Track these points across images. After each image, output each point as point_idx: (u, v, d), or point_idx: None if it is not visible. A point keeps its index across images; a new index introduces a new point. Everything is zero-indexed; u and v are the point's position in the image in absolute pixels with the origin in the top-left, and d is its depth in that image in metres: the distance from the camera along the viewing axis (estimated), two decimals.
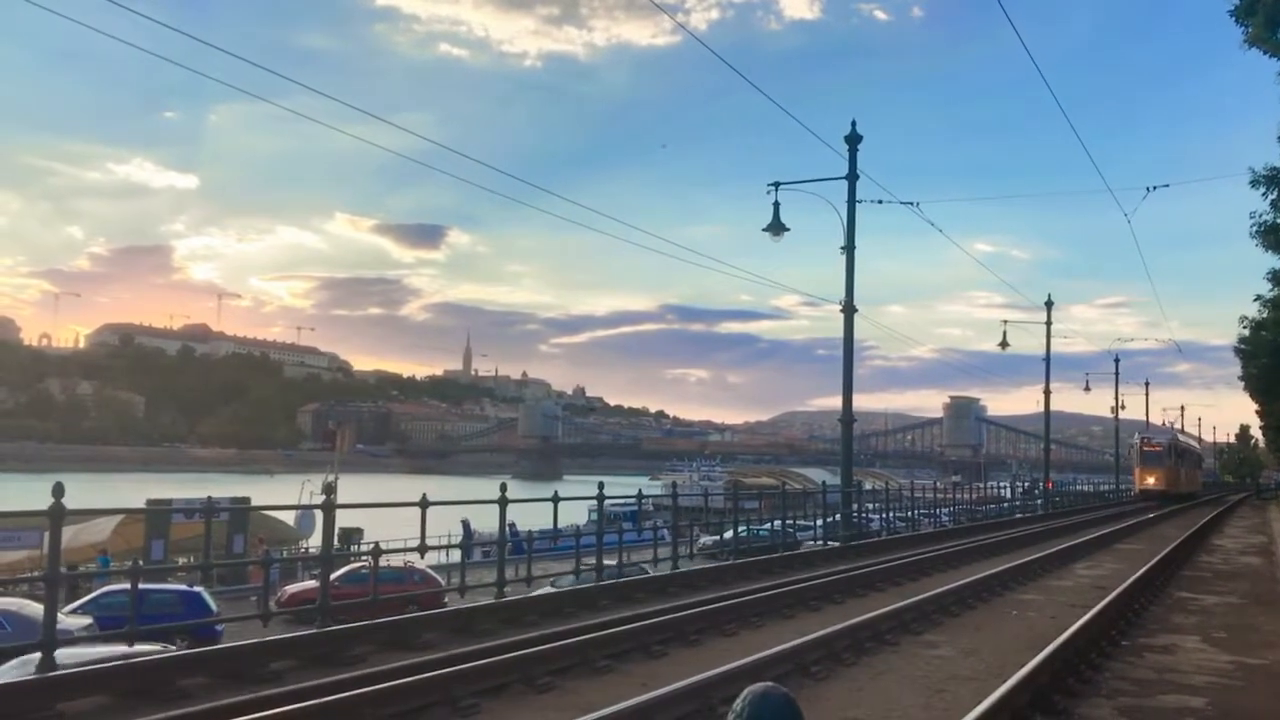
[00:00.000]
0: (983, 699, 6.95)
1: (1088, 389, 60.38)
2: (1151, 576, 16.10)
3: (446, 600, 19.72)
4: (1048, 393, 48.40)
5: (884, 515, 32.44)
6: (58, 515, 8.76)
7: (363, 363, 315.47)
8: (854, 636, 10.13)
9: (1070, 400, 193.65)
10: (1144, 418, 75.08)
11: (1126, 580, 14.67)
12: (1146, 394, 72.70)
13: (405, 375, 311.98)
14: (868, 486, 36.45)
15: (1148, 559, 18.48)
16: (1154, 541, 25.37)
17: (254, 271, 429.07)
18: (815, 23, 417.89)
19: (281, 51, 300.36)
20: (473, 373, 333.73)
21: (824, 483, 41.95)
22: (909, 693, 8.43)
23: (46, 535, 9.05)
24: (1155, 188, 29.19)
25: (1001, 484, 65.95)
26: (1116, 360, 61.22)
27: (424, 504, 12.78)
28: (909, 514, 33.09)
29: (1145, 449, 57.39)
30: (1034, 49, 20.32)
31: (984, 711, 6.49)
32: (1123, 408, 63.66)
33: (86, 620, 17.93)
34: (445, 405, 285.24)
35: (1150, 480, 55.92)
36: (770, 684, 2.32)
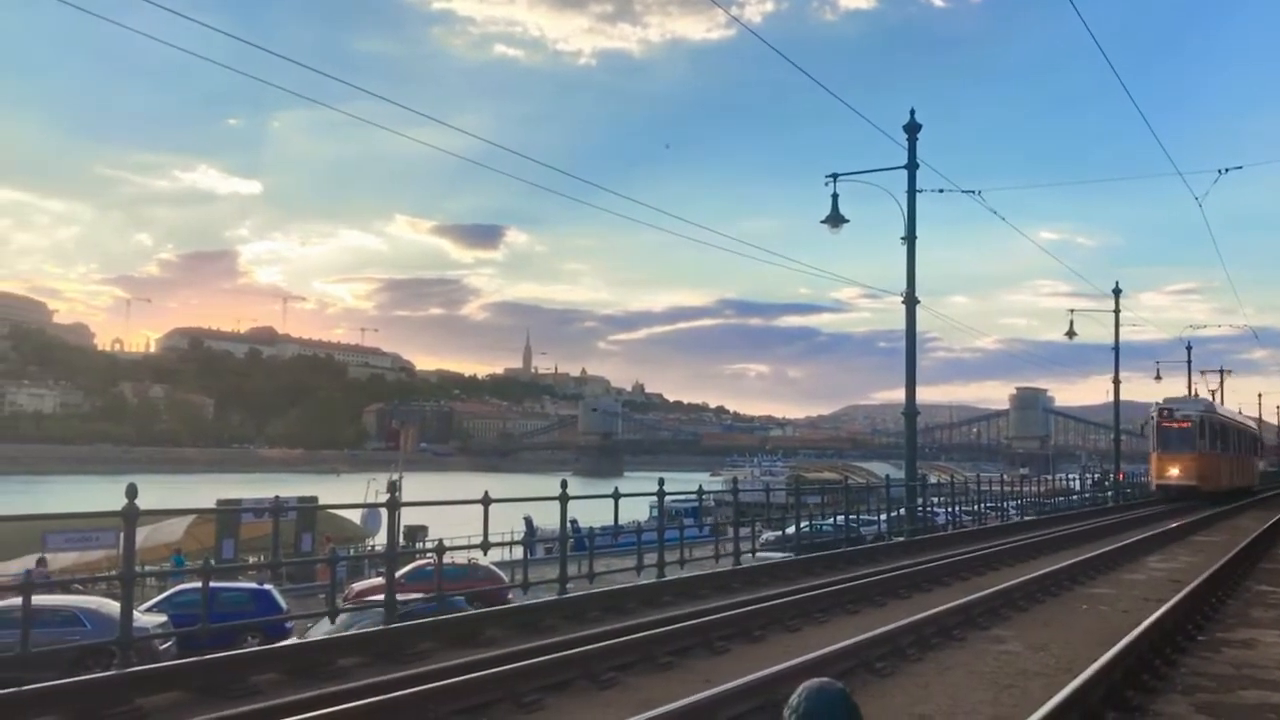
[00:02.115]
0: (1053, 695, 6.82)
1: (1159, 378, 58.65)
2: (1228, 570, 15.66)
3: (510, 596, 19.89)
4: (1117, 382, 47.32)
5: (949, 509, 32.01)
6: (132, 516, 8.98)
7: (425, 363, 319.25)
8: (919, 632, 10.01)
9: (1141, 389, 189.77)
10: (1256, 424, 72.81)
11: (1202, 574, 14.30)
12: (1221, 381, 70.39)
13: (466, 374, 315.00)
14: (932, 480, 35.97)
15: (1224, 552, 17.99)
16: (1231, 534, 24.71)
17: (317, 274, 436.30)
18: (871, 11, 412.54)
19: (340, 57, 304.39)
20: (533, 371, 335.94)
21: (887, 476, 41.51)
22: (977, 689, 8.31)
23: (121, 535, 9.28)
24: (1227, 170, 28.11)
25: (1070, 476, 64.63)
26: (1189, 348, 59.49)
27: (486, 501, 12.87)
28: (975, 507, 32.61)
29: (1164, 424, 39.36)
30: (1096, 30, 19.86)
31: (1055, 707, 6.36)
32: (1196, 396, 62.00)
33: (161, 618, 18.39)
34: (506, 403, 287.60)
35: (1173, 471, 38.97)
36: (826, 679, 2.30)
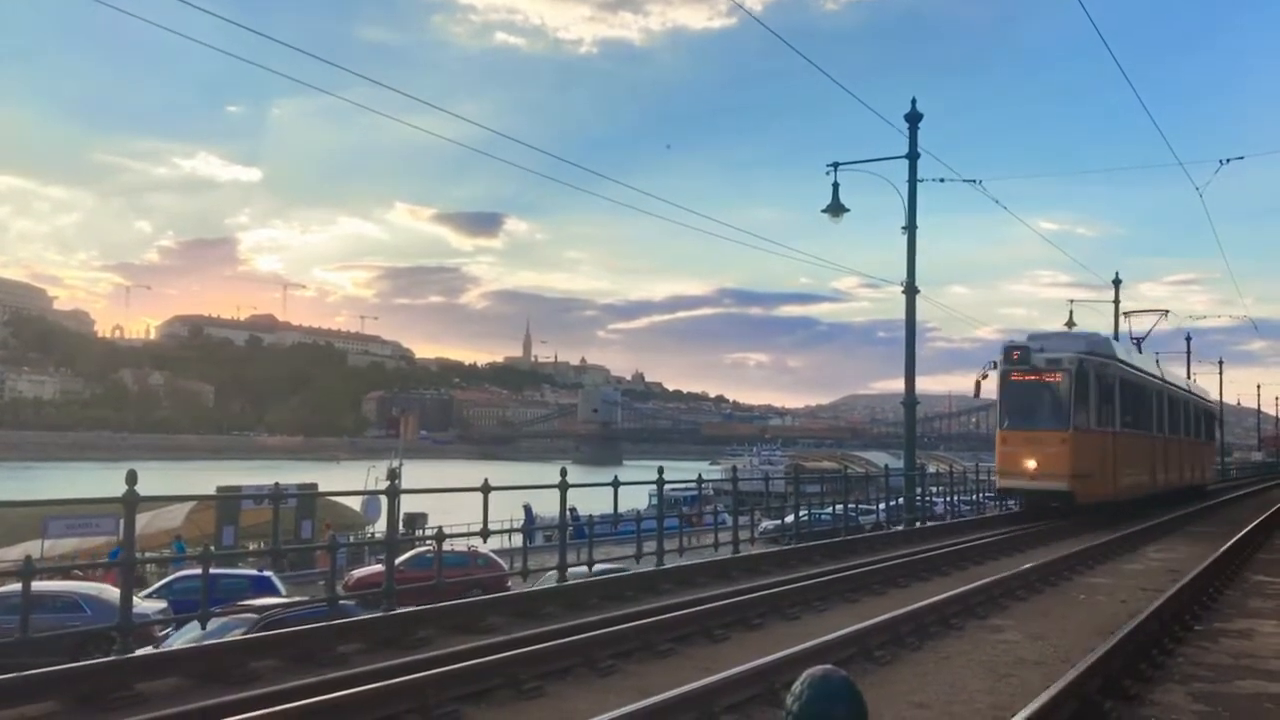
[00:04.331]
0: (1051, 684, 6.84)
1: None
2: (1226, 560, 15.69)
3: (510, 584, 19.93)
4: None
5: (948, 499, 32.03)
6: (132, 503, 8.98)
7: (425, 350, 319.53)
8: (918, 621, 10.03)
9: None
10: (1218, 398, 72.74)
11: (1200, 563, 14.33)
12: (1220, 372, 70.33)
13: (466, 362, 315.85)
14: (931, 469, 36.00)
15: (1222, 542, 18.01)
16: (1228, 525, 24.73)
17: (318, 262, 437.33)
18: (873, 1, 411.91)
19: (341, 44, 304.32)
20: (532, 359, 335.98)
21: (886, 466, 41.54)
22: (975, 677, 8.33)
23: (122, 522, 9.28)
24: (1228, 160, 27.88)
25: None
26: (1188, 338, 59.26)
27: (486, 489, 12.88)
28: (974, 497, 32.64)
29: (1015, 379, 23.78)
30: (1098, 20, 19.79)
31: (1052, 697, 6.38)
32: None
33: (162, 604, 18.43)
34: (506, 392, 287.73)
35: (1028, 463, 23.27)
36: (830, 666, 2.30)
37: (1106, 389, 23.56)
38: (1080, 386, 22.92)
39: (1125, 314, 36.81)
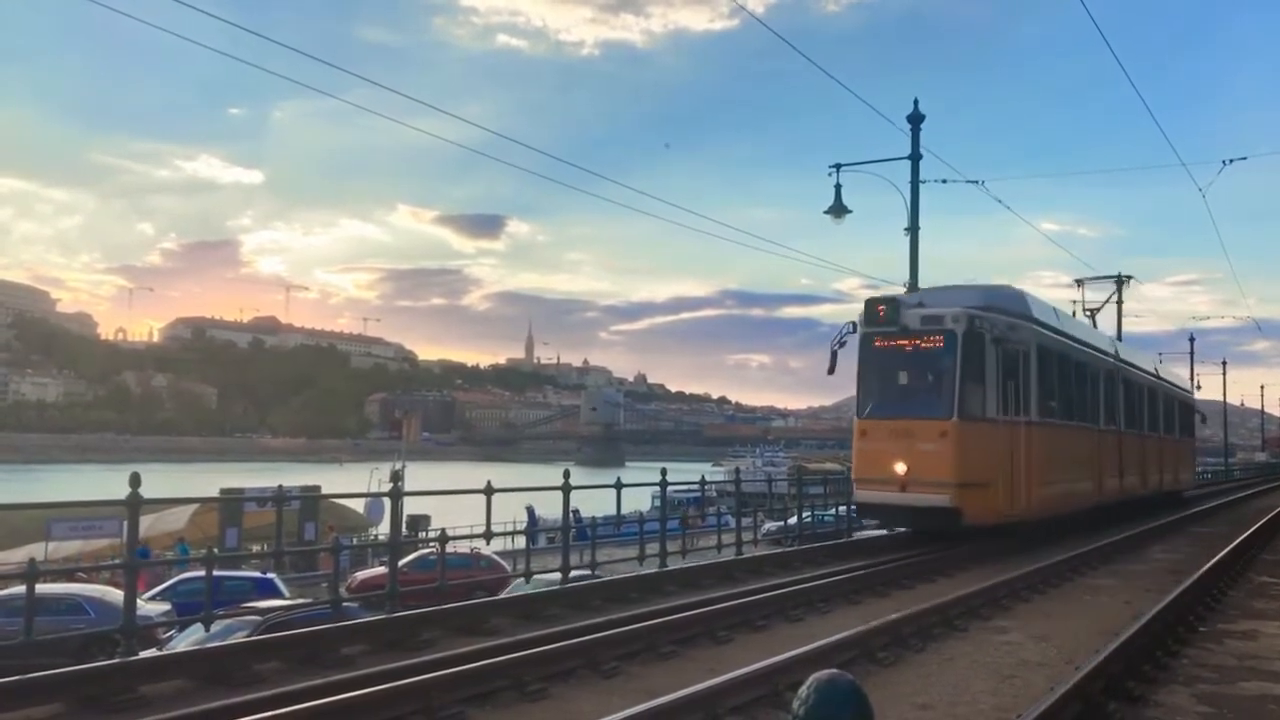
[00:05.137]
0: (1055, 686, 6.83)
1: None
2: (1230, 560, 15.67)
3: (511, 585, 19.93)
4: None
5: None
6: (135, 505, 9.00)
7: (427, 352, 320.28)
8: (921, 622, 10.01)
9: None
10: (1221, 398, 72.69)
11: (1204, 564, 14.30)
12: (1224, 373, 70.30)
13: (469, 364, 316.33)
14: None
15: (1226, 543, 17.99)
16: (1232, 525, 24.70)
17: (320, 264, 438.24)
18: (874, 2, 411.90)
19: (343, 46, 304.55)
20: (535, 361, 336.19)
21: None
22: (979, 679, 8.32)
23: (125, 524, 9.29)
24: (1231, 161, 27.82)
25: None
26: (1191, 339, 59.32)
27: (489, 491, 12.90)
28: None
29: (879, 345, 17.16)
30: (1101, 20, 19.76)
31: (1057, 699, 6.38)
32: (1198, 388, 61.85)
33: (165, 606, 18.46)
34: (508, 393, 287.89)
35: (895, 466, 16.55)
36: (836, 670, 2.30)
37: (1013, 360, 17.00)
38: (971, 355, 16.31)
39: (1078, 281, 30.35)
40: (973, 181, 26.08)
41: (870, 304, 17.24)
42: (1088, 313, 27.41)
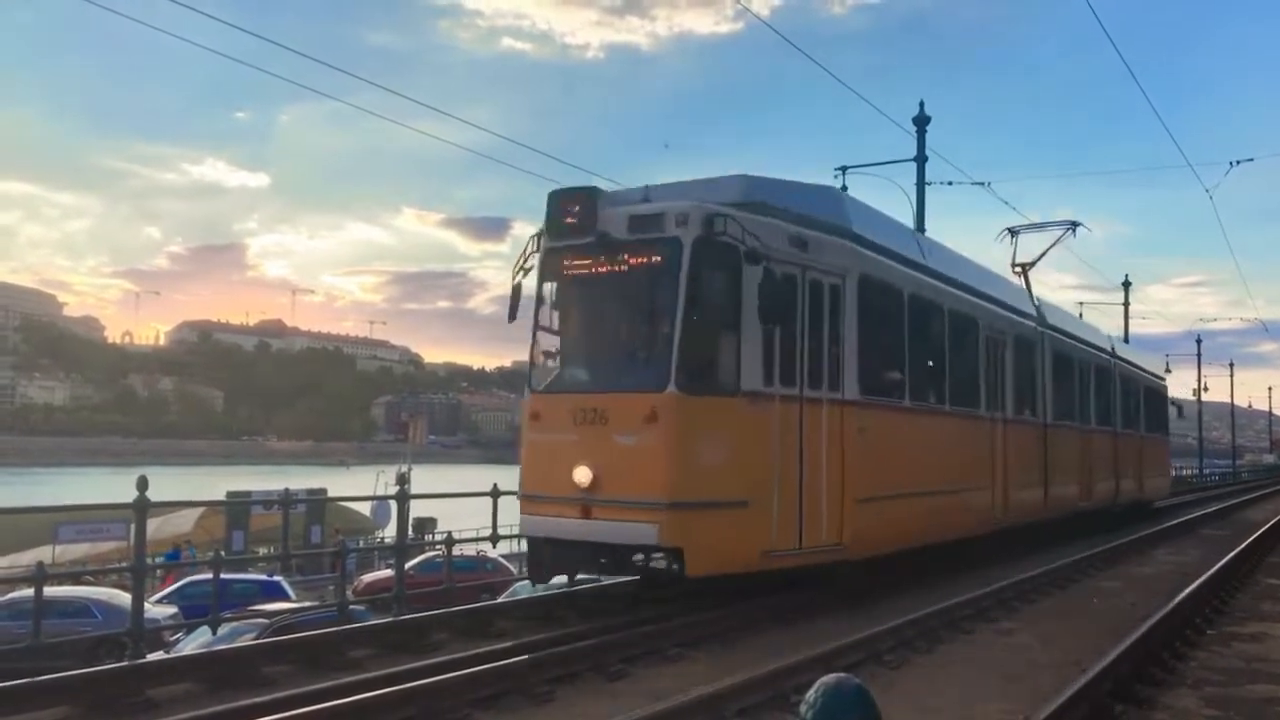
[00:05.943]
0: (1062, 688, 6.82)
1: (1168, 371, 58.57)
2: (1238, 563, 15.64)
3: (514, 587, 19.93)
4: None
5: None
6: (142, 508, 9.03)
7: (433, 355, 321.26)
8: (927, 625, 10.00)
9: None
10: (1229, 399, 72.53)
11: (1212, 567, 14.27)
12: (1231, 374, 70.27)
13: (475, 367, 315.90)
14: None
15: (1233, 545, 17.95)
16: (1240, 527, 24.65)
17: (326, 267, 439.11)
18: (879, 4, 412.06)
19: (348, 50, 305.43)
20: None
21: None
22: (986, 681, 8.30)
23: (132, 527, 9.33)
24: (1239, 162, 27.78)
25: None
26: (1198, 340, 59.44)
27: (495, 493, 12.93)
28: None
29: (566, 272, 10.57)
30: (1107, 21, 19.73)
31: (1064, 701, 6.38)
32: (1206, 389, 61.78)
33: (172, 609, 18.52)
34: (514, 396, 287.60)
35: (577, 474, 9.72)
36: (843, 674, 2.31)
37: (816, 297, 10.74)
38: (710, 280, 10.07)
39: (1011, 230, 22.08)
40: (979, 183, 26.04)
41: (554, 199, 10.52)
42: (1017, 269, 21.35)
